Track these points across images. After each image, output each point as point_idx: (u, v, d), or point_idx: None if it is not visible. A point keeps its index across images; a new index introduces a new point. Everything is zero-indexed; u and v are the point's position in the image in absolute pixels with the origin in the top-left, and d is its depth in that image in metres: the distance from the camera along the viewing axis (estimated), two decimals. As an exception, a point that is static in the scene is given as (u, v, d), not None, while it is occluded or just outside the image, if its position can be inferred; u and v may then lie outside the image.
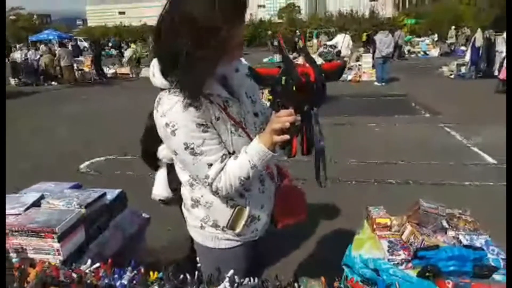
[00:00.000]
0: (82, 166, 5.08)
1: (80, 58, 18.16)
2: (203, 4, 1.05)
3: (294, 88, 1.15)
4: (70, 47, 15.69)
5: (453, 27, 25.10)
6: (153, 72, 1.22)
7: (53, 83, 14.48)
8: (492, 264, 1.52)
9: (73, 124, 7.76)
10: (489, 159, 4.89)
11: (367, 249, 1.65)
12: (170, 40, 1.10)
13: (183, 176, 1.35)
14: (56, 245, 1.56)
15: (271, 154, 1.17)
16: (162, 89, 1.20)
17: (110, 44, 33.95)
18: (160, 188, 1.63)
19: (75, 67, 15.32)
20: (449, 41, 23.18)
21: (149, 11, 48.65)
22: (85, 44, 28.83)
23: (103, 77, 15.37)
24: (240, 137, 1.24)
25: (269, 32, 21.68)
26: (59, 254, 1.58)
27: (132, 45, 18.12)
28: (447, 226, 1.74)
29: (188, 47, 1.07)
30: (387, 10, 43.64)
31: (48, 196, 1.87)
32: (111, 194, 1.99)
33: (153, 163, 1.66)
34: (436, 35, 24.70)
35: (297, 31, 23.34)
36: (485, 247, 1.58)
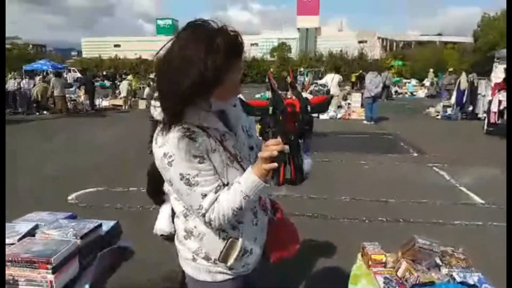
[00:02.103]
0: (70, 197, 5.00)
1: (73, 88, 18.26)
2: (202, 47, 1.08)
3: (280, 118, 1.20)
4: (65, 76, 15.83)
5: (431, 70, 26.05)
6: (154, 105, 1.27)
7: (44, 112, 14.48)
8: (486, 302, 1.54)
9: (62, 154, 7.69)
10: (477, 199, 4.96)
11: (364, 285, 1.65)
12: (170, 78, 1.14)
13: (177, 207, 1.36)
14: (50, 276, 1.53)
15: (263, 184, 1.18)
16: (161, 122, 1.23)
17: (104, 73, 34.26)
18: (163, 223, 1.61)
19: (68, 98, 15.39)
20: (429, 83, 23.99)
21: (142, 45, 49.74)
22: (78, 74, 29.16)
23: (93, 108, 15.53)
24: (234, 169, 1.27)
25: (271, 69, 22.66)
26: (51, 287, 1.54)
27: (128, 77, 18.33)
28: (440, 263, 1.77)
29: (185, 85, 1.11)
30: (375, 52, 45.23)
31: (43, 226, 1.84)
32: (107, 225, 1.97)
33: (158, 197, 1.65)
34: (432, 77, 25.38)
35: (292, 70, 24.23)
36: (478, 285, 1.60)
